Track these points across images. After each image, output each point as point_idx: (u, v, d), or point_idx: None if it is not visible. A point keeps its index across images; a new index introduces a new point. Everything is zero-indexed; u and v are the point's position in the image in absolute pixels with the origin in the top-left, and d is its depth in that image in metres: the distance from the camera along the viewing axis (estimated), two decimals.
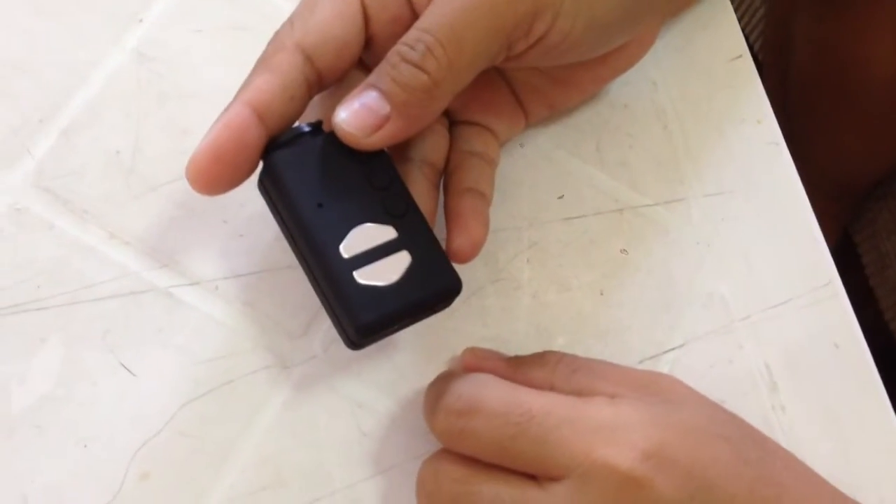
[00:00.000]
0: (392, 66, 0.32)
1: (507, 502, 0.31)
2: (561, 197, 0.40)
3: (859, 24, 0.68)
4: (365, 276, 0.31)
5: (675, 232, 0.41)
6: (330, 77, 0.33)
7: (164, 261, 0.38)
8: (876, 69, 0.68)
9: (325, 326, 0.37)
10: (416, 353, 0.38)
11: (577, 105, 0.42)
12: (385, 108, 0.31)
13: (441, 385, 0.34)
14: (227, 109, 0.32)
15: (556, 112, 0.41)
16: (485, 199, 0.36)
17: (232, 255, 0.38)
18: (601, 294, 0.39)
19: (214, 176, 0.31)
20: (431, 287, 0.32)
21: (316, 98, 0.36)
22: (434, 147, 0.37)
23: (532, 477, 0.32)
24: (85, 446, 0.35)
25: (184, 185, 0.39)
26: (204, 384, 0.36)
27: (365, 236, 0.31)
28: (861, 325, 0.39)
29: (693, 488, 0.30)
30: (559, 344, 0.38)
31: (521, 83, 0.39)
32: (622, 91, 0.43)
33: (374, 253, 0.31)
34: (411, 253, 0.32)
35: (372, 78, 0.32)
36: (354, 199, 0.32)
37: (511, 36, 0.32)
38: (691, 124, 0.42)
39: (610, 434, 0.31)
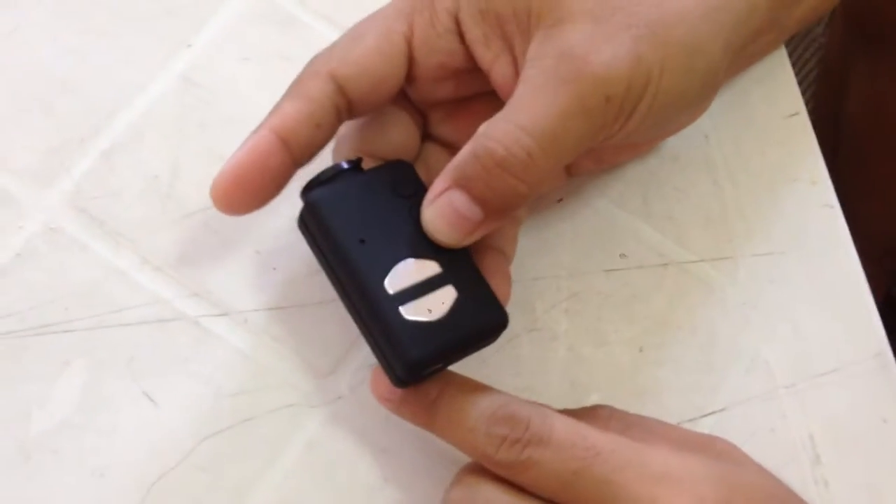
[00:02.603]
0: (486, 171, 0.30)
1: None
2: (604, 249, 0.39)
3: None
4: (411, 312, 0.30)
5: (720, 291, 0.39)
6: (362, 108, 0.33)
7: (195, 289, 0.37)
8: None
9: (354, 367, 0.36)
10: None
11: (626, 162, 0.41)
12: (478, 213, 0.30)
13: (501, 412, 0.31)
14: (253, 134, 0.32)
15: (602, 167, 0.40)
16: (505, 256, 0.35)
17: (263, 288, 0.37)
18: (640, 350, 0.38)
19: (236, 198, 0.32)
20: (479, 322, 0.31)
21: (352, 131, 0.35)
22: None
23: None
24: (101, 475, 0.34)
25: (219, 213, 0.38)
26: (226, 419, 0.35)
27: (409, 271, 0.31)
28: None
29: None
30: (593, 400, 0.37)
31: None
32: (672, 143, 0.42)
33: (419, 288, 0.31)
34: (457, 287, 0.31)
35: (458, 173, 0.30)
36: (397, 235, 0.32)
37: (594, 140, 0.32)
38: (743, 180, 0.41)
39: (677, 484, 0.29)
